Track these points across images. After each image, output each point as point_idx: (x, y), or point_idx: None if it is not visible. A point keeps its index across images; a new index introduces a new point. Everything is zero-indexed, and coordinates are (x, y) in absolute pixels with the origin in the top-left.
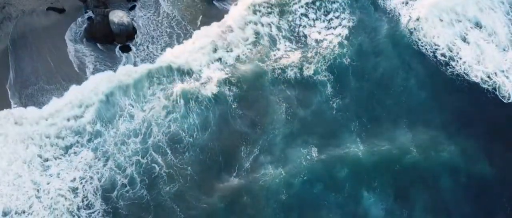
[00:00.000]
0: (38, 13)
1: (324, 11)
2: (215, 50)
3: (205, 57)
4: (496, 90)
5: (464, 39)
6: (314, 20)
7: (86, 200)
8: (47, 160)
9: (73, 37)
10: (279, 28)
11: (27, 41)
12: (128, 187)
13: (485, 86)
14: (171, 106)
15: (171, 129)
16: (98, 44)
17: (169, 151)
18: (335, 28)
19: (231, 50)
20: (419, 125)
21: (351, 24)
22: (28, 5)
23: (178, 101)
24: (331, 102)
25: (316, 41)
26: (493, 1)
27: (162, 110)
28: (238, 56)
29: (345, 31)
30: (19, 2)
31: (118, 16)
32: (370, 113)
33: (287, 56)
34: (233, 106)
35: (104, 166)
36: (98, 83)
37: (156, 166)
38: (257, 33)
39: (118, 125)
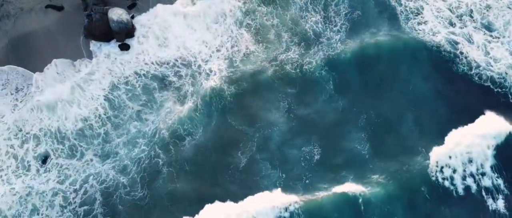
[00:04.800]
0: (36, 11)
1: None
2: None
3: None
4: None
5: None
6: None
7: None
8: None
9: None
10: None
11: (26, 39)
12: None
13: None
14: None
15: (174, 128)
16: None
17: (172, 149)
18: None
19: None
20: (426, 125)
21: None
22: (26, 3)
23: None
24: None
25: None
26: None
27: (167, 109)
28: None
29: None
30: (17, 0)
31: (117, 14)
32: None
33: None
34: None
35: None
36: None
37: (159, 160)
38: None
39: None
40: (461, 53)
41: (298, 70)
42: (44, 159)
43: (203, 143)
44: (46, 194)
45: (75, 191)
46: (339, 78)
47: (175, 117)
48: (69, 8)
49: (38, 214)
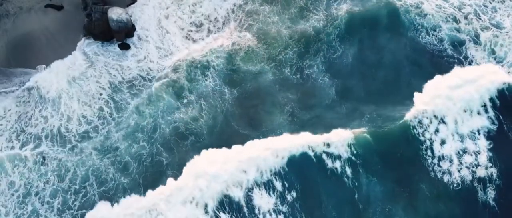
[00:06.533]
0: (36, 11)
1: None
2: None
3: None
4: None
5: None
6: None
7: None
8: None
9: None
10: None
11: (26, 39)
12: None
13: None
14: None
15: (175, 125)
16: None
17: (174, 149)
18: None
19: None
20: None
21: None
22: (26, 2)
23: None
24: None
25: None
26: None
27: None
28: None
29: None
30: None
31: (117, 13)
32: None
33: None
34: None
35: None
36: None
37: (163, 159)
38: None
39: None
40: (466, 57)
41: (298, 75)
42: (44, 159)
43: (207, 146)
44: (46, 193)
45: (76, 192)
46: (342, 81)
47: (176, 116)
48: (69, 8)
49: (37, 216)
